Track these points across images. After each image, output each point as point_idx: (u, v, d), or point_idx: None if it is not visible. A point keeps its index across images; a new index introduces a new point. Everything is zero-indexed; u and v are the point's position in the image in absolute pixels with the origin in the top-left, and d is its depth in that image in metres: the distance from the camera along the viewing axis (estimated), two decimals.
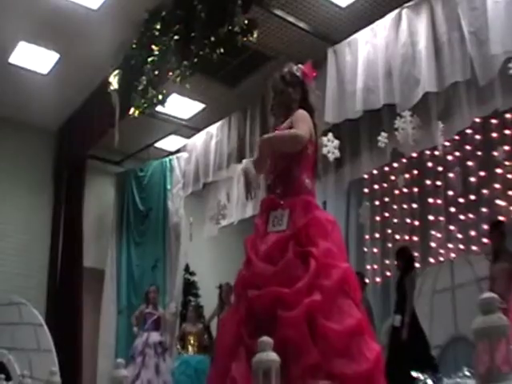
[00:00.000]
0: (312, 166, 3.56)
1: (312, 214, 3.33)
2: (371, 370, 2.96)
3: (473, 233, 8.22)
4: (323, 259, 3.17)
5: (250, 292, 3.23)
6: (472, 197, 8.31)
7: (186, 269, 10.67)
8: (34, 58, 8.66)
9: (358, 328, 3.05)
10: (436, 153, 8.32)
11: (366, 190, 9.63)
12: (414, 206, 9.12)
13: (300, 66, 3.77)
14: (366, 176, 9.16)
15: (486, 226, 7.64)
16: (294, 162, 3.46)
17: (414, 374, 4.67)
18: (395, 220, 9.31)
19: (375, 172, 9.22)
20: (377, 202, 9.56)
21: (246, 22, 6.53)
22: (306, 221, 3.29)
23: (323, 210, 3.65)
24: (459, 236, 8.43)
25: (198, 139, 9.53)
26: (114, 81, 8.39)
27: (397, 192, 9.31)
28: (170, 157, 10.18)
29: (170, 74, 7.42)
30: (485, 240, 7.78)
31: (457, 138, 7.87)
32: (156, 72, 7.65)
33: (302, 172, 3.48)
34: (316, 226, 3.29)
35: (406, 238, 9.07)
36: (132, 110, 8.11)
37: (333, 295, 3.09)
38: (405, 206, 9.22)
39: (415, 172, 9.09)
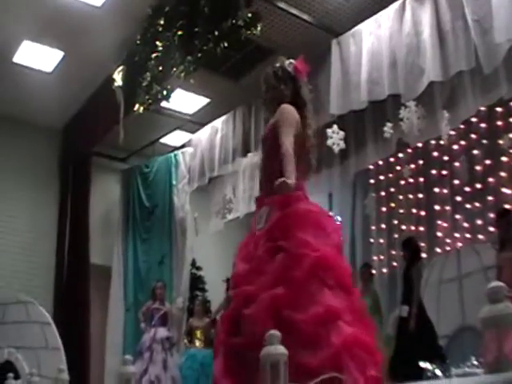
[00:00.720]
0: (299, 159, 3.52)
1: (291, 208, 3.32)
2: (337, 354, 2.89)
3: (479, 222, 8.21)
4: (295, 250, 3.16)
5: (230, 292, 3.38)
6: (478, 185, 8.30)
7: (193, 264, 10.65)
8: (38, 56, 8.66)
9: (328, 315, 3.01)
10: (441, 142, 8.31)
11: (371, 181, 9.64)
12: (420, 195, 9.11)
13: (292, 60, 3.76)
14: (371, 167, 9.15)
15: (492, 215, 7.63)
16: (279, 159, 3.40)
17: (422, 364, 4.66)
18: (401, 210, 9.31)
19: (381, 163, 9.23)
20: (383, 193, 9.56)
21: (250, 15, 6.53)
22: (281, 215, 3.29)
23: (313, 202, 3.58)
24: (465, 225, 8.42)
25: (203, 134, 9.52)
26: (118, 77, 8.39)
27: (402, 182, 9.31)
28: (175, 152, 10.17)
29: (174, 69, 7.41)
30: (491, 229, 7.75)
31: (462, 127, 7.83)
32: (160, 68, 7.65)
33: None
34: (292, 218, 3.28)
35: (412, 228, 9.07)
36: (136, 106, 8.11)
37: (302, 285, 3.07)
38: (411, 196, 9.21)
39: (421, 162, 9.08)
